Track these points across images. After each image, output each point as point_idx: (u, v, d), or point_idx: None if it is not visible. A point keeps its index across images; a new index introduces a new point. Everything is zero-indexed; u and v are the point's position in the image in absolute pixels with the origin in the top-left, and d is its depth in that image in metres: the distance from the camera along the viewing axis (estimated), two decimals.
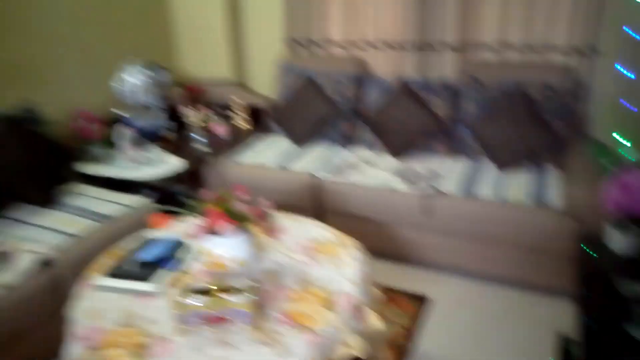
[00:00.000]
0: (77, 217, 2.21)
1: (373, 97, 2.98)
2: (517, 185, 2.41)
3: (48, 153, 2.37)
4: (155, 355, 1.30)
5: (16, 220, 2.18)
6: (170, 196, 2.78)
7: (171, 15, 3.73)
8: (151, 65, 3.17)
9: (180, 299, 1.37)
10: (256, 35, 3.67)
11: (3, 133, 2.25)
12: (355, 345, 1.42)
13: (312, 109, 3.01)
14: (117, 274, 1.62)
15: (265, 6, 3.54)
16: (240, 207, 1.61)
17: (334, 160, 2.84)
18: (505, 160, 2.57)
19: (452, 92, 2.82)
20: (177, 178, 2.74)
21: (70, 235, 2.07)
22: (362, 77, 3.08)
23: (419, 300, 2.36)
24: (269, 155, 2.94)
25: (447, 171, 2.62)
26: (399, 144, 2.80)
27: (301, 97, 3.07)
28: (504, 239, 2.32)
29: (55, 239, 2.03)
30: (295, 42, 3.45)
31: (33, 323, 1.85)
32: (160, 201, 2.53)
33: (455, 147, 2.82)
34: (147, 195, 2.49)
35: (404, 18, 3.03)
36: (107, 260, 1.74)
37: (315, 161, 2.84)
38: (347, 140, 3.05)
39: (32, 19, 2.74)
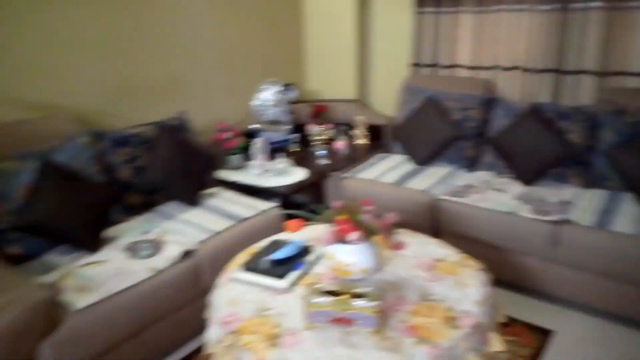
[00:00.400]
0: (216, 217, 2.46)
1: (500, 121, 2.93)
2: None
3: (195, 158, 2.67)
4: (286, 345, 1.42)
5: (167, 214, 2.49)
6: (295, 204, 2.96)
7: (304, 39, 4.00)
8: (283, 84, 3.43)
9: (309, 297, 1.49)
10: (382, 57, 3.80)
11: (162, 138, 2.59)
12: None
13: (435, 129, 3.03)
14: (252, 269, 1.79)
15: (394, 31, 3.67)
16: (368, 219, 1.69)
17: (455, 181, 2.83)
18: None
19: (588, 119, 2.68)
20: (301, 188, 2.92)
21: (209, 230, 2.32)
22: (489, 99, 3.04)
23: (541, 333, 2.25)
24: (387, 173, 3.02)
25: (579, 201, 2.48)
26: (527, 170, 2.72)
27: (424, 118, 3.11)
28: (638, 277, 2.14)
29: (197, 234, 2.29)
30: (420, 66, 3.51)
31: (175, 306, 2.09)
32: (285, 208, 2.71)
33: (590, 177, 2.66)
34: (275, 202, 2.69)
35: (539, 41, 2.96)
36: (244, 256, 1.93)
37: (435, 181, 2.85)
38: (470, 163, 3.02)
39: (188, 42, 3.13)
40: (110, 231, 2.28)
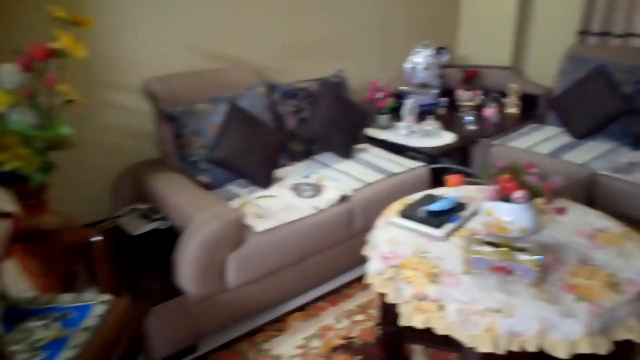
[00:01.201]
0: (367, 169, 2.64)
1: None
2: None
3: (351, 114, 2.86)
4: (445, 283, 1.55)
5: (323, 163, 2.73)
6: (441, 168, 3.04)
7: (461, 3, 3.94)
8: (435, 47, 3.45)
9: (469, 245, 1.59)
10: (544, 23, 3.62)
11: (324, 94, 2.81)
12: (637, 331, 1.43)
13: (601, 102, 2.87)
14: (409, 216, 1.93)
15: None
16: (533, 180, 1.73)
17: (618, 158, 2.68)
18: None
19: None
20: (448, 151, 2.98)
21: (361, 181, 2.51)
22: None
23: None
24: (540, 143, 2.94)
25: None
26: None
27: (589, 89, 2.94)
28: None
29: (351, 182, 2.49)
30: (589, 34, 3.30)
31: (330, 242, 2.33)
32: (432, 169, 2.81)
33: None
34: (422, 161, 2.80)
35: None
36: (398, 205, 2.08)
37: (594, 156, 2.73)
38: (637, 141, 2.82)
39: (350, 4, 3.29)
40: (278, 172, 2.57)
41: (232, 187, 2.41)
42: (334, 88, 2.88)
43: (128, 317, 1.54)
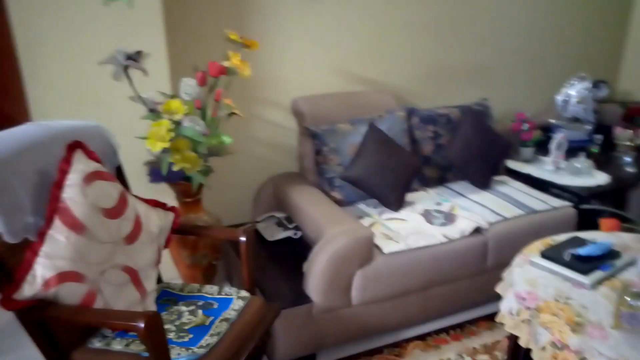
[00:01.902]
0: (505, 202, 2.53)
1: None
2: None
3: (492, 144, 2.76)
4: (590, 335, 1.42)
5: (457, 191, 2.67)
6: (589, 210, 2.79)
7: (627, 33, 3.62)
8: (592, 80, 3.20)
9: (623, 296, 1.44)
10: None
11: (464, 121, 2.76)
12: None
13: None
14: (551, 258, 1.80)
15: None
16: None
17: None
18: None
19: None
20: (600, 193, 2.72)
21: (498, 214, 2.40)
22: None
23: None
24: None
25: None
26: None
27: None
28: None
29: (487, 214, 2.40)
30: None
31: (459, 274, 2.26)
32: (580, 210, 2.59)
33: None
34: (569, 201, 2.59)
35: None
36: (539, 245, 1.95)
37: None
38: None
39: (498, 32, 3.20)
40: (409, 196, 2.58)
41: (363, 206, 2.47)
42: (476, 116, 2.81)
43: (261, 316, 1.65)
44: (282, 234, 2.37)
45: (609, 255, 1.81)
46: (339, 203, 2.45)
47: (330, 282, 1.96)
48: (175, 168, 1.82)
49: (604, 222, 2.01)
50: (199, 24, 2.41)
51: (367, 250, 2.01)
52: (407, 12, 2.90)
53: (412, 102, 3.04)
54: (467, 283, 2.32)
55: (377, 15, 2.83)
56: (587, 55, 3.56)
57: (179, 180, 1.95)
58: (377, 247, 2.10)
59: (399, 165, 2.47)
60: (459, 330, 2.29)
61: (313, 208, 2.27)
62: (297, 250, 2.23)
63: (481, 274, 2.32)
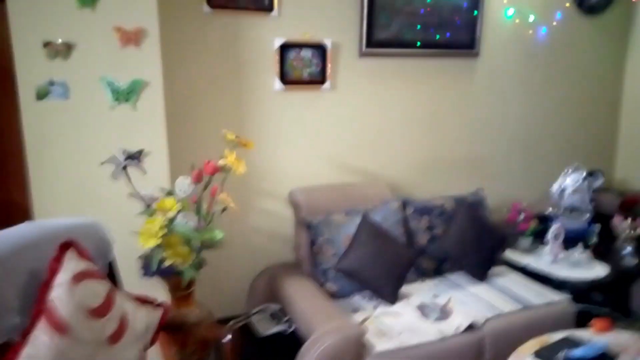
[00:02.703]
0: (503, 295, 2.51)
1: None
2: None
3: (488, 235, 2.79)
4: None
5: (454, 283, 2.67)
6: (589, 302, 2.75)
7: (619, 124, 3.76)
8: (587, 170, 3.28)
9: None
10: None
11: (459, 212, 2.81)
12: None
13: None
14: (546, 358, 1.78)
15: None
16: None
17: None
18: None
19: None
20: (599, 286, 2.70)
21: (495, 308, 2.38)
22: None
23: None
24: None
25: None
26: None
27: None
28: None
29: (483, 309, 2.37)
30: None
31: None
32: (578, 303, 2.55)
33: None
34: (566, 294, 2.57)
35: None
36: (534, 344, 1.92)
37: None
38: None
39: (492, 124, 3.34)
40: (405, 288, 2.57)
41: (358, 299, 2.46)
42: (471, 207, 2.87)
43: None
44: (274, 329, 2.35)
45: (605, 358, 1.78)
46: (334, 295, 2.45)
47: None
48: (166, 263, 1.86)
49: (596, 322, 1.99)
50: (200, 123, 2.58)
51: (357, 349, 1.99)
52: (403, 107, 3.06)
53: (408, 192, 3.12)
54: None
55: (372, 110, 2.98)
56: (581, 145, 3.67)
57: (170, 275, 1.98)
58: (369, 344, 2.07)
59: (394, 257, 2.50)
60: None
61: (304, 302, 2.28)
62: (289, 346, 2.20)
63: None
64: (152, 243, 1.79)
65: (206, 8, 2.51)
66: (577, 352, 1.76)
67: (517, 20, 3.23)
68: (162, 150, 2.20)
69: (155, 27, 2.14)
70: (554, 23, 3.33)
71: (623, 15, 3.57)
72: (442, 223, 2.80)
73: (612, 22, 3.54)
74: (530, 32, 3.29)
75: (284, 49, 2.68)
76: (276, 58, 2.68)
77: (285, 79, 2.72)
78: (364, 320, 2.24)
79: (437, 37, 3.02)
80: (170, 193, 1.99)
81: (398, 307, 2.39)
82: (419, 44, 2.98)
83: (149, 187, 2.00)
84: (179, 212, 1.87)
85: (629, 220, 3.15)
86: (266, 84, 2.70)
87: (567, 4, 3.33)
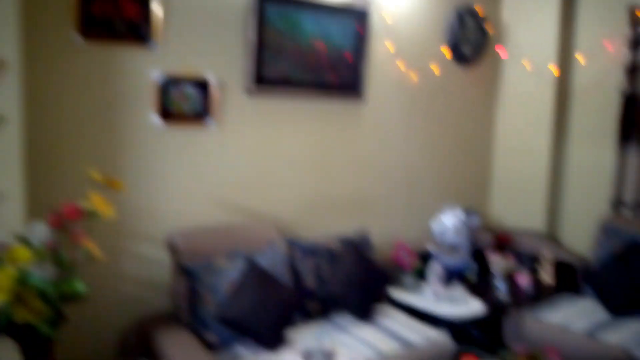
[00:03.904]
0: (385, 336, 2.62)
1: None
2: None
3: (372, 275, 2.92)
4: None
5: (339, 325, 2.74)
6: (469, 337, 2.97)
7: (492, 165, 4.18)
8: (465, 209, 3.59)
9: None
10: (577, 192, 3.75)
11: (344, 253, 2.92)
12: None
13: (637, 278, 2.84)
14: None
15: (591, 166, 3.64)
16: None
17: None
18: None
19: None
20: (476, 321, 2.93)
21: (378, 351, 2.48)
22: None
23: None
24: (575, 319, 2.87)
25: None
26: None
27: (624, 263, 2.94)
28: None
29: (366, 352, 2.46)
30: (622, 205, 3.38)
31: None
32: (457, 339, 2.75)
33: None
34: (446, 331, 2.75)
35: None
36: None
37: (634, 336, 2.63)
38: None
39: (376, 162, 3.56)
40: (290, 332, 2.58)
41: (240, 349, 2.43)
42: (356, 247, 2.99)
43: None
44: None
45: None
46: (213, 346, 2.40)
47: None
48: (17, 320, 1.70)
49: (464, 358, 2.15)
50: (69, 163, 2.44)
51: None
52: (291, 147, 3.15)
53: (296, 232, 3.18)
54: None
55: (260, 149, 3.03)
56: (460, 185, 4.02)
57: (22, 334, 1.81)
58: None
59: (278, 302, 2.51)
60: None
61: (179, 356, 2.20)
62: None
63: None
64: (1, 298, 1.64)
65: (78, 38, 2.42)
66: None
67: (401, 68, 3.51)
68: (18, 192, 2.04)
69: (16, 57, 2.02)
70: (434, 71, 3.67)
71: (492, 67, 4.03)
72: (328, 264, 2.88)
73: (482, 73, 3.98)
74: (413, 79, 3.58)
75: (165, 83, 2.65)
76: (155, 92, 2.64)
77: (165, 114, 2.68)
78: None
79: (325, 79, 3.17)
80: (25, 241, 1.85)
81: (282, 354, 2.39)
82: (307, 84, 3.10)
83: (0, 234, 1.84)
84: (33, 261, 1.74)
85: (502, 256, 3.49)
86: (145, 120, 2.64)
87: (447, 55, 3.69)
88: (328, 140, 3.31)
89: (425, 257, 3.42)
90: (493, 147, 4.17)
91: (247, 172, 3.01)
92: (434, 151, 3.84)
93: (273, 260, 2.68)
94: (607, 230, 3.21)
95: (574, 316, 2.91)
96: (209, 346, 2.39)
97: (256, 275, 2.53)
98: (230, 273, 2.52)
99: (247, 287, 2.47)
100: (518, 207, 3.97)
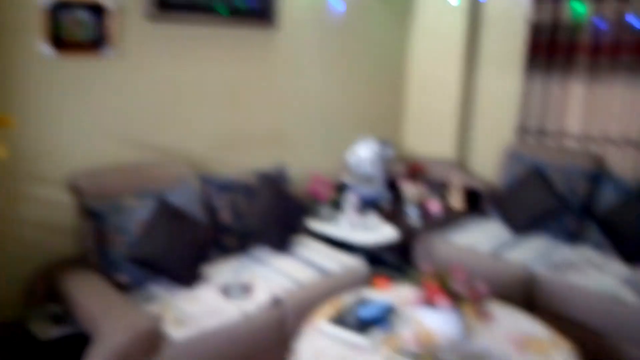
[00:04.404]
0: (304, 266, 2.66)
1: (608, 197, 2.89)
2: None
3: (289, 207, 2.92)
4: None
5: (258, 259, 2.74)
6: (382, 262, 3.09)
7: (405, 96, 4.23)
8: (380, 140, 3.64)
9: (393, 358, 1.60)
10: (485, 119, 3.90)
11: (262, 187, 2.88)
12: None
13: (537, 199, 3.06)
14: (338, 323, 1.94)
15: (500, 94, 3.78)
16: (458, 286, 1.79)
17: (554, 256, 2.82)
18: None
19: None
20: (389, 246, 3.05)
21: (297, 281, 2.52)
22: (597, 174, 3.02)
23: None
24: (481, 240, 3.06)
25: None
26: (634, 251, 2.65)
27: (526, 186, 3.14)
28: None
29: (285, 282, 2.49)
30: (525, 131, 3.57)
31: (261, 349, 2.28)
32: (372, 265, 2.85)
33: None
34: (362, 258, 2.84)
35: None
36: (329, 309, 2.08)
37: (533, 254, 2.86)
38: (571, 238, 2.98)
39: (293, 96, 3.47)
40: (207, 268, 2.55)
41: (154, 288, 2.36)
42: (273, 181, 2.96)
43: None
44: (55, 332, 2.13)
45: (388, 313, 2.01)
46: (126, 287, 2.31)
47: None
48: None
49: (376, 281, 2.24)
50: None
51: (152, 343, 1.91)
52: (202, 79, 2.98)
53: (210, 169, 3.07)
54: (271, 354, 2.34)
55: (168, 82, 2.84)
56: (375, 117, 4.05)
57: None
58: (165, 335, 2.00)
59: (192, 239, 2.45)
60: None
61: (89, 298, 2.10)
62: (76, 349, 2.01)
63: (281, 345, 2.36)
64: None
65: None
66: (364, 311, 1.96)
67: None
68: None
69: None
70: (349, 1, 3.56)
71: None
72: (245, 199, 2.83)
73: (396, 5, 3.93)
74: (328, 7, 3.46)
75: (54, 7, 2.36)
76: (44, 18, 2.34)
77: (58, 43, 2.40)
78: (161, 309, 2.16)
79: (235, 4, 2.97)
80: None
81: (198, 290, 2.36)
82: (217, 8, 2.89)
83: None
84: None
85: (414, 185, 3.60)
86: (33, 50, 2.36)
87: None
88: (241, 72, 3.17)
89: (341, 188, 3.47)
90: (406, 79, 4.21)
91: (154, 107, 2.82)
92: (348, 83, 3.81)
93: (185, 198, 2.58)
94: (512, 156, 3.39)
95: (481, 237, 3.10)
96: (121, 287, 2.30)
97: (167, 213, 2.43)
98: (139, 212, 2.40)
99: (158, 225, 2.37)
100: (430, 137, 4.09)
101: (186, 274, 2.38)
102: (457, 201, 3.67)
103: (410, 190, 3.58)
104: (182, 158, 2.93)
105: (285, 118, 3.46)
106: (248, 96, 3.23)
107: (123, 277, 2.33)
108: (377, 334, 1.86)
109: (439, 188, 3.70)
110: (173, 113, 2.90)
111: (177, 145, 2.95)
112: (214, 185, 2.78)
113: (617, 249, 2.74)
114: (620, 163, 3.09)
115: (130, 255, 2.31)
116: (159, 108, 2.84)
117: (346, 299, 2.16)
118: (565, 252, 2.86)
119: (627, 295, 2.37)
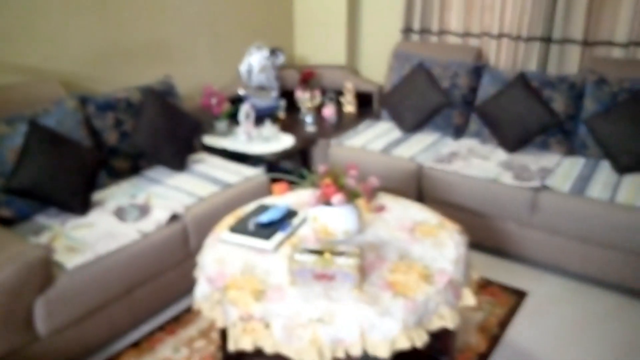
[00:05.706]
0: (203, 182, 2.58)
1: (488, 89, 3.04)
2: (634, 189, 2.38)
3: (182, 123, 2.76)
4: (271, 299, 1.56)
5: (153, 179, 2.60)
6: (282, 170, 3.09)
7: (293, 2, 4.04)
8: (270, 48, 3.50)
9: (293, 256, 1.63)
10: (373, 23, 3.86)
11: (148, 103, 2.68)
12: (449, 318, 1.58)
13: (423, 97, 3.15)
14: (239, 231, 1.92)
15: None
16: (351, 182, 1.82)
17: (441, 149, 2.97)
18: (625, 163, 2.53)
19: (573, 88, 2.81)
20: (288, 155, 3.04)
21: (194, 195, 2.44)
22: (478, 67, 3.15)
23: (515, 294, 2.44)
24: (374, 140, 3.14)
25: (559, 168, 2.65)
26: (512, 138, 2.85)
27: (413, 85, 3.21)
28: (611, 242, 2.32)
29: (184, 198, 2.41)
30: (411, 31, 3.60)
31: (163, 267, 2.23)
32: (271, 174, 2.83)
33: (571, 146, 2.82)
34: (261, 168, 2.81)
35: (529, 10, 3.05)
36: (231, 219, 2.05)
37: (421, 148, 2.99)
38: (457, 131, 3.15)
39: (175, 5, 3.17)
40: (98, 194, 2.39)
41: (42, 219, 2.18)
42: (159, 96, 2.75)
43: None
44: None
45: (288, 216, 2.02)
46: (9, 221, 2.11)
47: (3, 321, 1.68)
48: None
49: (275, 187, 2.23)
50: None
51: (43, 273, 1.78)
52: None
53: (89, 88, 2.79)
54: (175, 274, 2.32)
55: None
56: (264, 24, 3.85)
57: None
58: (58, 264, 1.88)
59: (77, 164, 2.26)
60: (175, 323, 2.28)
61: None
62: None
63: (187, 260, 2.33)
64: None
65: None
66: (263, 216, 1.95)
67: None
68: None
69: None
70: None
71: None
72: (130, 117, 2.63)
73: None
74: None
75: None
76: None
77: None
78: (51, 239, 2.01)
79: None
80: None
81: (91, 216, 2.21)
82: None
83: None
84: None
85: (308, 92, 3.56)
86: None
87: None
88: None
89: (236, 101, 3.34)
90: None
91: (12, 22, 2.44)
92: None
93: (63, 120, 2.34)
94: (399, 56, 3.42)
95: (373, 138, 3.17)
96: (5, 222, 2.09)
97: (43, 137, 2.19)
98: (12, 139, 2.15)
99: (34, 151, 2.14)
100: (321, 43, 4.01)
101: (76, 201, 2.21)
102: (350, 105, 3.70)
103: (304, 98, 3.54)
104: (55, 78, 2.61)
105: (166, 28, 3.17)
106: (124, 6, 2.90)
107: (5, 211, 2.11)
108: (277, 237, 1.87)
109: (332, 94, 3.70)
110: (38, 28, 2.54)
111: (48, 65, 2.62)
112: (94, 104, 2.54)
113: (496, 137, 2.93)
114: (497, 55, 3.25)
115: (8, 186, 2.08)
116: (19, 23, 2.46)
117: (247, 209, 2.14)
118: (450, 145, 3.02)
119: (505, 177, 2.59)
